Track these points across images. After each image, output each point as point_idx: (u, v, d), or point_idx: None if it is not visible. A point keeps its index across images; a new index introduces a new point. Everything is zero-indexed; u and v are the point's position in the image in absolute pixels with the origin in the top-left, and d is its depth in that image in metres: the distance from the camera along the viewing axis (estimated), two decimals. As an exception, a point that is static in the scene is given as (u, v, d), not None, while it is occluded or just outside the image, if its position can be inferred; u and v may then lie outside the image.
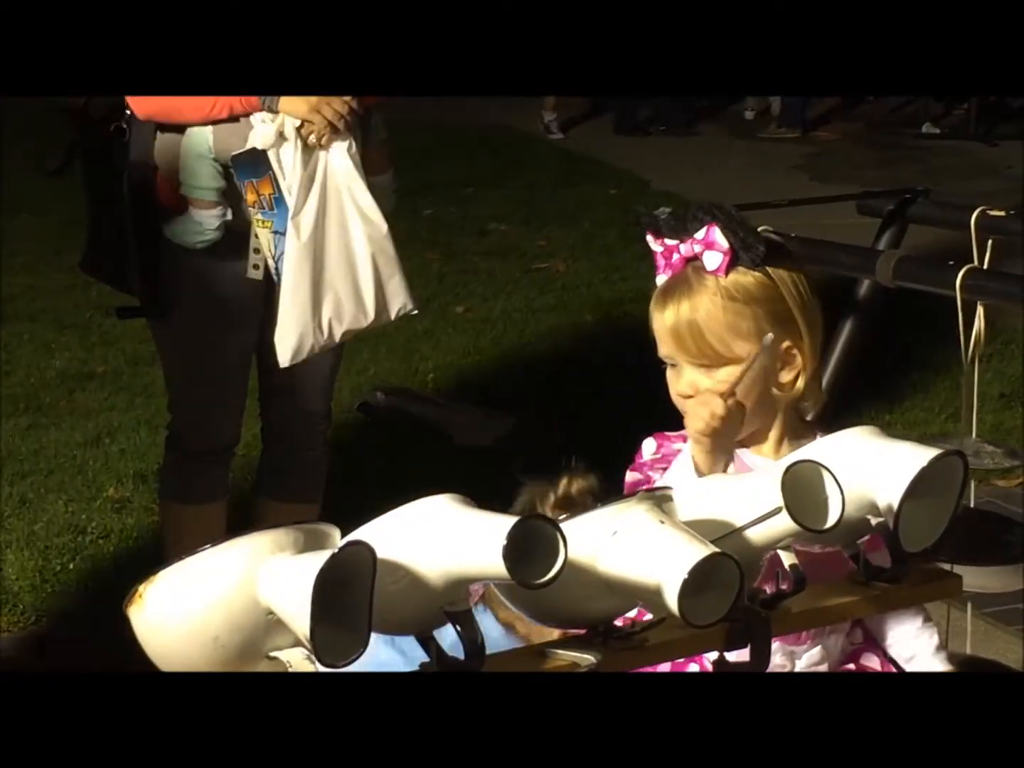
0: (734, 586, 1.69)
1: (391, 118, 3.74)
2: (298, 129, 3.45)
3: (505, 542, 1.57)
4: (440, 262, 7.36)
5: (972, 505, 3.43)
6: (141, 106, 3.53)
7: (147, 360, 5.73)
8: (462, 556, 1.62)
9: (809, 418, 2.67)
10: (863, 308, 3.72)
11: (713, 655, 1.90)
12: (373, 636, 1.58)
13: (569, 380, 5.76)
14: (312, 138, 3.46)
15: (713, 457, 2.28)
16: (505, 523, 1.58)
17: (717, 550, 1.68)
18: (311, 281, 3.49)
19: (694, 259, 2.34)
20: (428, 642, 1.67)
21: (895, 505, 1.86)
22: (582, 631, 1.78)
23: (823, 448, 1.94)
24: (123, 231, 3.67)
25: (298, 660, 1.58)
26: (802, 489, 1.79)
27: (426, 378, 5.76)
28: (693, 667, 2.32)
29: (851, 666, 2.42)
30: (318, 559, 1.53)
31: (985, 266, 3.22)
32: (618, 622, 1.79)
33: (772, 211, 3.74)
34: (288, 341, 3.52)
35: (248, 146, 3.45)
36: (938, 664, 2.41)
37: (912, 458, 1.88)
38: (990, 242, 3.29)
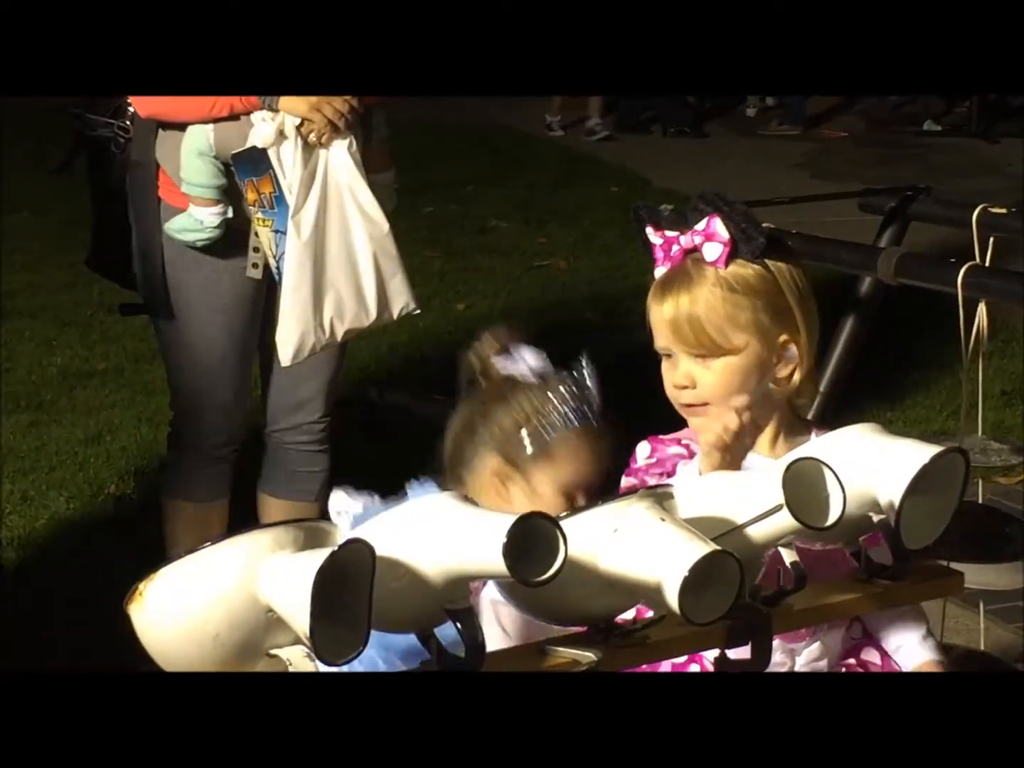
0: (735, 584, 1.69)
1: (391, 117, 3.74)
2: (298, 127, 3.45)
3: (505, 540, 1.57)
4: (441, 260, 7.36)
5: (979, 502, 3.44)
6: (143, 104, 3.53)
7: (148, 357, 5.73)
8: (462, 554, 1.61)
9: (810, 417, 2.67)
10: (864, 306, 3.72)
11: (714, 653, 1.90)
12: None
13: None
14: (312, 136, 3.45)
15: (723, 470, 2.28)
16: (505, 521, 1.58)
17: (718, 548, 1.68)
18: (312, 280, 3.49)
19: (693, 251, 2.34)
20: (429, 640, 1.67)
21: (896, 502, 1.86)
22: (583, 629, 1.78)
23: (824, 445, 1.94)
24: (126, 229, 3.67)
25: (298, 658, 1.58)
26: (803, 486, 1.79)
27: (426, 376, 5.76)
28: (693, 667, 2.32)
29: (851, 661, 2.42)
30: (318, 557, 1.53)
31: (987, 264, 3.22)
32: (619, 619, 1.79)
33: (774, 208, 3.74)
34: (289, 340, 3.52)
35: (248, 144, 3.45)
36: (926, 653, 2.40)
37: (913, 455, 1.88)
38: (991, 240, 3.29)
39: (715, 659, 1.87)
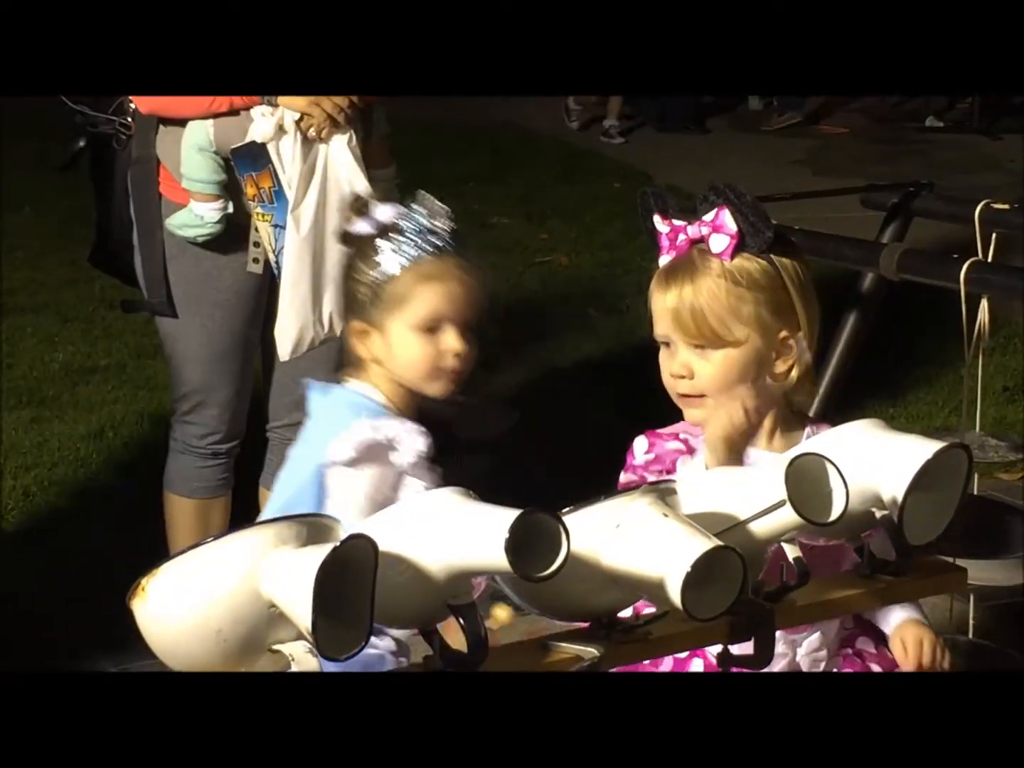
0: (738, 580, 1.69)
1: (392, 115, 3.74)
2: (297, 122, 3.44)
3: (507, 535, 1.57)
4: (442, 256, 7.36)
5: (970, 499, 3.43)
6: (143, 101, 3.53)
7: (150, 353, 5.73)
8: (464, 549, 1.61)
9: (811, 413, 2.67)
10: (867, 301, 3.72)
11: (716, 649, 1.90)
12: None
13: (571, 374, 5.76)
14: (312, 131, 3.45)
15: (727, 464, 2.28)
16: (507, 516, 1.58)
17: (720, 543, 1.68)
18: (311, 275, 3.49)
19: (700, 241, 2.34)
20: (431, 636, 1.67)
21: (899, 498, 1.86)
22: (585, 624, 1.78)
23: (827, 441, 1.94)
24: (128, 225, 3.67)
25: (300, 653, 1.58)
26: (806, 482, 1.79)
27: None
28: (696, 661, 2.32)
29: (848, 651, 2.42)
30: (320, 552, 1.53)
31: (989, 260, 3.22)
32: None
33: (775, 205, 3.74)
34: (288, 334, 3.52)
35: (248, 139, 3.45)
36: (907, 612, 2.42)
37: (916, 451, 1.88)
38: (994, 236, 3.29)
39: (718, 655, 1.87)
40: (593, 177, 9.11)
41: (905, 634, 2.39)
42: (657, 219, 2.37)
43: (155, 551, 2.39)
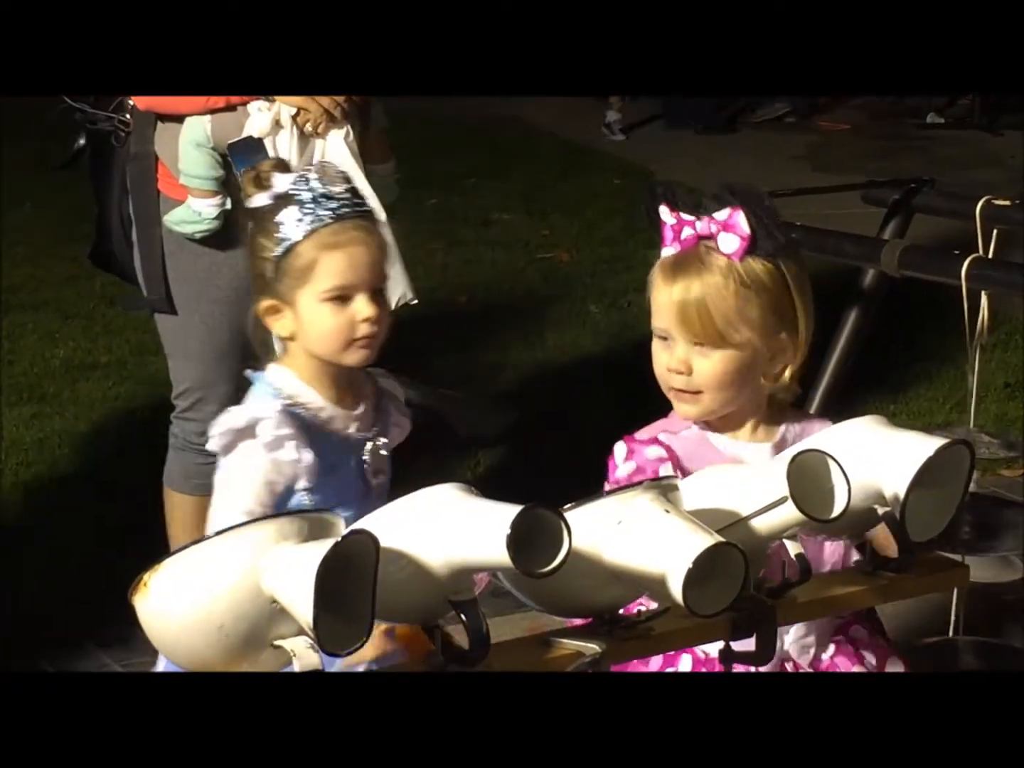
0: (739, 576, 1.69)
1: (392, 110, 3.73)
2: (294, 117, 3.44)
3: (509, 531, 1.56)
4: (444, 252, 7.35)
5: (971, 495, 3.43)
6: (141, 97, 3.53)
7: (151, 350, 5.72)
8: (466, 545, 1.61)
9: (812, 410, 2.67)
10: (868, 298, 3.72)
11: (716, 645, 1.90)
12: None
13: (572, 370, 5.76)
14: (308, 126, 3.45)
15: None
16: (509, 512, 1.58)
17: (722, 540, 1.68)
18: (307, 269, 3.48)
19: (708, 238, 2.32)
20: (434, 631, 1.67)
21: (901, 494, 1.86)
22: (587, 620, 1.78)
23: (829, 438, 1.94)
24: (127, 222, 3.67)
25: (301, 649, 1.58)
26: (808, 479, 1.79)
27: (429, 368, 5.76)
28: (685, 658, 2.32)
29: (840, 637, 2.41)
30: (321, 548, 1.53)
31: (990, 256, 3.22)
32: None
33: (776, 201, 3.74)
34: None
35: (244, 134, 3.44)
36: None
37: (918, 447, 1.88)
38: (995, 232, 3.29)
39: (719, 651, 1.87)
40: (594, 173, 9.10)
41: None
42: (664, 209, 2.35)
43: (156, 547, 2.39)
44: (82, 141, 3.75)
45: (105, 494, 4.67)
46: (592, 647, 1.71)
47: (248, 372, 2.50)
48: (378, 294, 2.46)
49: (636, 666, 2.25)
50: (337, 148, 3.48)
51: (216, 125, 3.49)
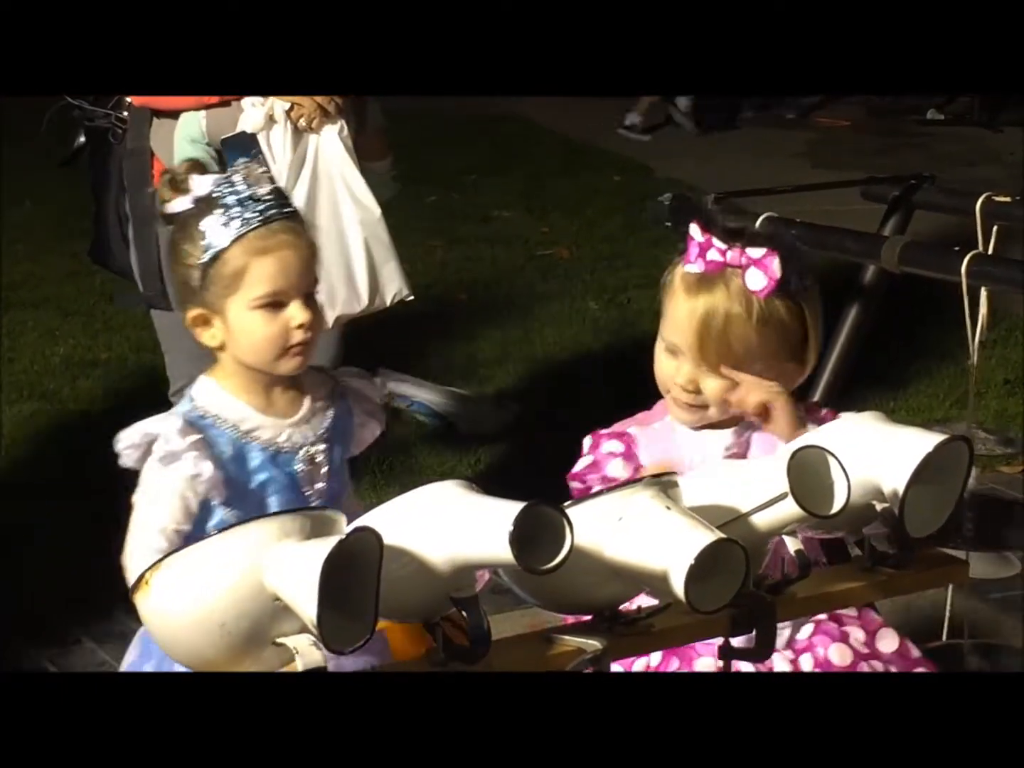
0: (740, 572, 1.69)
1: (392, 107, 3.73)
2: (288, 112, 3.43)
3: (512, 528, 1.57)
4: (443, 249, 7.35)
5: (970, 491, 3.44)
6: None
7: (151, 347, 5.71)
8: (468, 542, 1.62)
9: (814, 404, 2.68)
10: (868, 294, 3.72)
11: (702, 645, 1.91)
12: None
13: (572, 367, 5.76)
14: (302, 122, 3.44)
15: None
16: (511, 509, 1.58)
17: (723, 536, 1.68)
18: (302, 265, 3.48)
19: (736, 267, 2.33)
20: (435, 628, 1.67)
21: (900, 490, 1.86)
22: (588, 617, 1.78)
23: (828, 434, 1.94)
24: (125, 219, 3.67)
25: (304, 646, 1.58)
26: (807, 475, 1.79)
27: (429, 365, 5.76)
28: (674, 661, 2.33)
29: (821, 616, 2.41)
30: (325, 545, 1.53)
31: (990, 252, 3.22)
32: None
33: (777, 198, 3.74)
34: None
35: (238, 129, 3.44)
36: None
37: (917, 444, 1.88)
38: (995, 228, 3.30)
39: (719, 647, 1.88)
40: (594, 170, 9.10)
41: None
42: (695, 228, 2.36)
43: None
44: (82, 138, 3.75)
45: (105, 492, 4.67)
46: (593, 643, 1.72)
47: (188, 389, 2.44)
48: (310, 299, 2.36)
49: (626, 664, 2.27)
50: (331, 144, 3.48)
51: (211, 121, 3.49)
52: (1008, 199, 3.39)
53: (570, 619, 1.87)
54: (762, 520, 1.80)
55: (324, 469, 2.39)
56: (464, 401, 5.27)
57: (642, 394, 2.48)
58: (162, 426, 2.34)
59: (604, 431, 2.44)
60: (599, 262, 7.10)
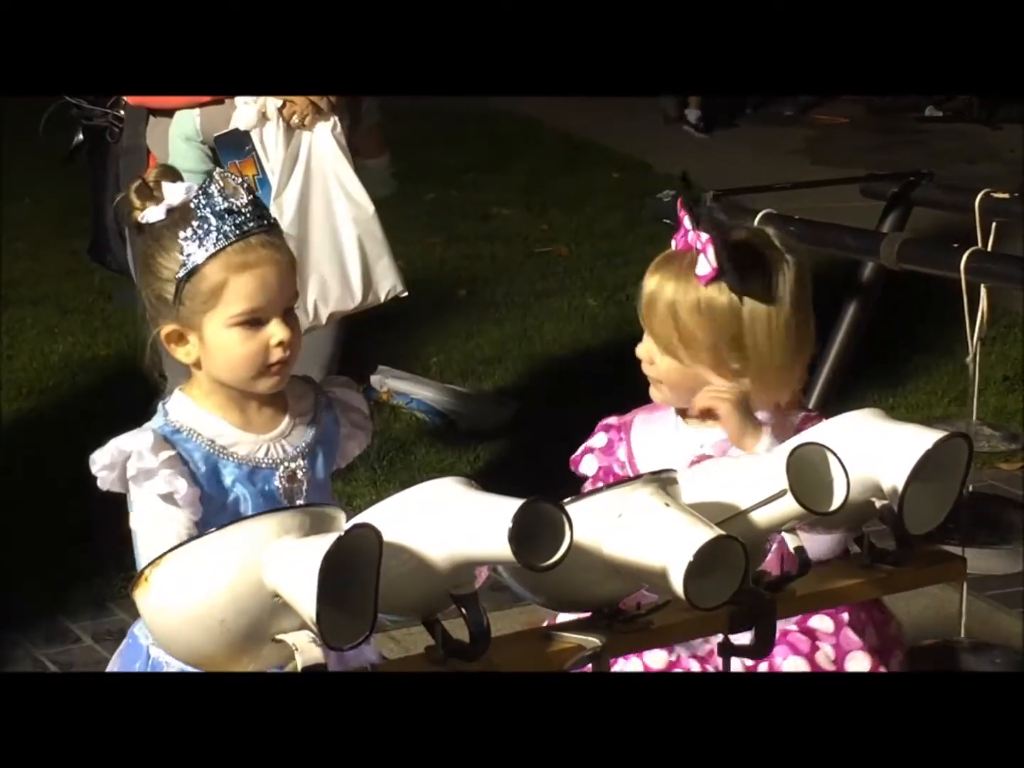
0: (739, 569, 1.69)
1: (391, 104, 3.73)
2: (280, 109, 3.43)
3: (511, 525, 1.57)
4: (442, 246, 7.35)
5: (973, 488, 3.44)
6: None
7: (150, 345, 5.72)
8: (468, 539, 1.62)
9: (811, 403, 2.68)
10: (867, 291, 3.72)
11: (699, 643, 1.91)
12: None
13: (571, 364, 5.76)
14: (295, 119, 3.44)
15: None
16: (511, 506, 1.58)
17: (723, 532, 1.68)
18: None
19: (696, 250, 2.34)
20: (434, 626, 1.67)
21: (899, 487, 1.86)
22: (587, 614, 1.78)
23: (827, 431, 1.94)
24: (121, 217, 3.67)
25: (304, 643, 1.58)
26: (807, 472, 1.79)
27: (428, 363, 5.76)
28: (635, 662, 2.34)
29: (793, 627, 2.41)
30: (324, 542, 1.54)
31: (989, 249, 3.22)
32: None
33: (776, 195, 3.74)
34: None
35: (231, 127, 3.43)
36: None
37: (916, 440, 1.88)
38: (994, 225, 3.30)
39: (718, 644, 1.88)
40: (593, 168, 9.10)
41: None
42: (686, 217, 2.37)
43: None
44: (80, 136, 3.75)
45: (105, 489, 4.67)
46: (592, 640, 1.72)
47: (160, 405, 2.35)
48: (289, 314, 2.26)
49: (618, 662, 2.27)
50: (324, 141, 3.47)
51: (205, 119, 3.48)
52: (1007, 196, 3.39)
53: (559, 618, 1.88)
54: (761, 517, 1.81)
55: (305, 485, 2.30)
56: (463, 398, 5.27)
57: (641, 391, 2.49)
58: (134, 442, 2.26)
59: (608, 420, 2.51)
60: (598, 259, 7.10)
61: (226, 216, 2.20)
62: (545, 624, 1.82)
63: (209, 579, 1.58)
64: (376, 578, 1.56)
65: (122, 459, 2.25)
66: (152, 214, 2.24)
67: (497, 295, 6.61)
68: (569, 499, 1.70)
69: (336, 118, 3.48)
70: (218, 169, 2.38)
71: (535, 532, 1.59)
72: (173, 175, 2.29)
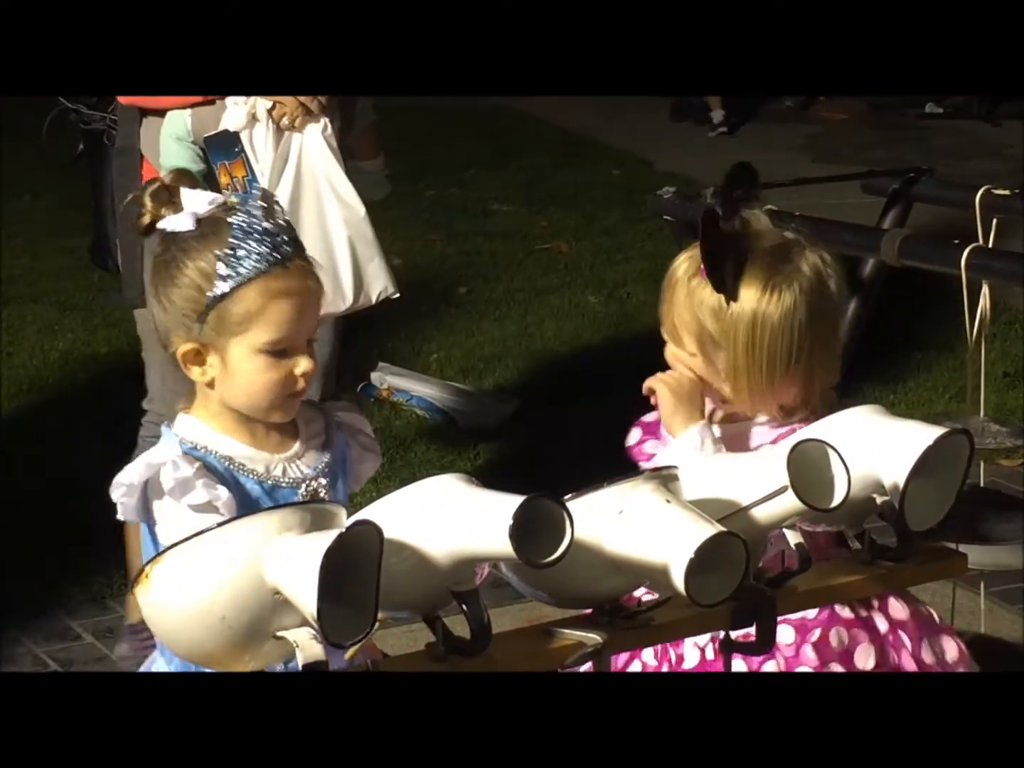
0: (740, 565, 1.69)
1: (390, 101, 3.72)
2: (270, 111, 3.42)
3: (512, 521, 1.57)
4: (443, 244, 7.35)
5: (981, 484, 3.44)
6: None
7: (150, 343, 5.73)
8: (469, 536, 1.62)
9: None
10: (867, 287, 3.72)
11: (703, 638, 1.90)
12: None
13: (572, 361, 5.76)
14: (285, 120, 3.42)
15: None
16: (512, 502, 1.58)
17: (724, 529, 1.68)
18: (285, 263, 3.47)
19: None
20: (435, 623, 1.67)
21: (900, 484, 1.86)
22: (588, 611, 1.78)
23: (828, 427, 1.94)
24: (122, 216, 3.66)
25: (305, 640, 1.58)
26: (808, 468, 1.79)
27: (429, 360, 5.76)
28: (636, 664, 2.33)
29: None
30: (325, 538, 1.54)
31: (990, 245, 3.22)
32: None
33: (776, 191, 3.74)
34: None
35: (221, 128, 3.42)
36: None
37: (917, 437, 1.88)
38: (994, 221, 3.30)
39: (719, 641, 1.88)
40: (593, 164, 9.11)
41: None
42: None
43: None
44: (82, 145, 3.75)
45: (105, 488, 4.67)
46: (593, 637, 1.72)
47: (163, 427, 2.21)
48: (311, 344, 2.17)
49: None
50: (314, 143, 3.45)
51: (196, 119, 3.47)
52: (1007, 192, 3.39)
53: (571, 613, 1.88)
54: (762, 513, 1.80)
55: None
56: (464, 395, 5.27)
57: (640, 388, 2.49)
58: (164, 454, 2.11)
59: (645, 418, 2.47)
60: (598, 256, 7.10)
61: (265, 238, 2.09)
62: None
63: (210, 576, 1.58)
64: (377, 575, 1.56)
65: (152, 473, 2.09)
66: (178, 223, 2.11)
67: (497, 292, 6.61)
68: (570, 495, 1.70)
69: (327, 120, 3.46)
70: (258, 184, 2.23)
71: (536, 528, 1.59)
72: (191, 180, 2.19)
